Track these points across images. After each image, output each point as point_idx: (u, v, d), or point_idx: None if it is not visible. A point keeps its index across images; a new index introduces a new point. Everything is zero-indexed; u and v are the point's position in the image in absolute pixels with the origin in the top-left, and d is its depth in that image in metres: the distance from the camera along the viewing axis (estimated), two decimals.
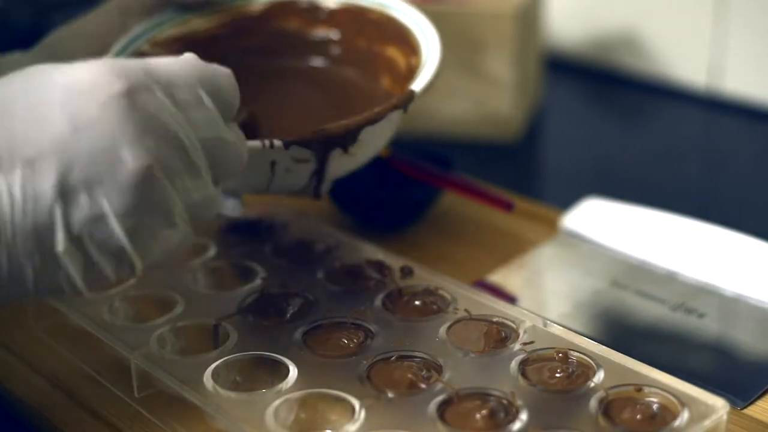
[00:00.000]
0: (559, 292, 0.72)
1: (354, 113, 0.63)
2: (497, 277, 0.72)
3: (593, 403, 0.53)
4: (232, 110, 0.54)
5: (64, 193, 0.47)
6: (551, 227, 0.78)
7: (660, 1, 1.08)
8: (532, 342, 0.58)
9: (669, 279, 0.71)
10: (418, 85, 0.64)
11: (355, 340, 0.59)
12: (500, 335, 0.58)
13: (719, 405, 0.52)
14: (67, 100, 0.47)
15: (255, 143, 0.60)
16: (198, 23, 0.71)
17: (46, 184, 0.46)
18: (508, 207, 0.78)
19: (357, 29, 0.72)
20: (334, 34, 0.73)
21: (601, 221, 0.77)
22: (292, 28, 0.74)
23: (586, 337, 0.58)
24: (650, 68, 1.09)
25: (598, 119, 1.08)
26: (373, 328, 0.60)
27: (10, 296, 0.49)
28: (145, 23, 0.69)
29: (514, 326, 0.59)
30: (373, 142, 0.65)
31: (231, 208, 0.64)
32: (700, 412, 0.52)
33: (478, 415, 0.52)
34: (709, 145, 1.01)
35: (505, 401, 0.53)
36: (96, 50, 0.66)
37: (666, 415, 0.52)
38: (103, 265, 0.49)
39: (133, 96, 0.48)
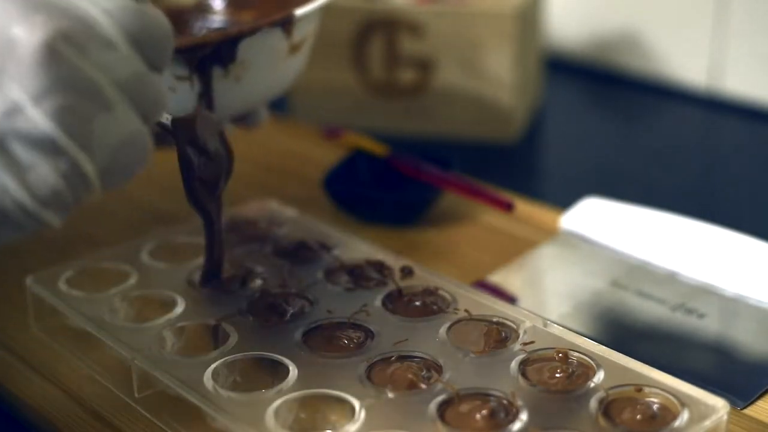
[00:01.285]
0: (559, 293, 0.72)
1: None
2: (497, 278, 0.72)
3: (593, 403, 0.53)
4: (162, 56, 0.48)
5: None
6: (551, 227, 0.78)
7: (660, 1, 1.08)
8: (532, 342, 0.58)
9: (669, 279, 0.71)
10: (299, 10, 0.66)
11: (355, 340, 0.59)
12: (500, 335, 0.58)
13: (719, 405, 0.52)
14: None
15: None
16: None
17: None
18: (508, 207, 0.78)
19: (278, 9, 0.74)
20: (257, 19, 0.75)
21: (600, 221, 0.77)
22: (219, 18, 0.76)
23: (586, 337, 0.58)
24: (650, 68, 1.09)
25: (598, 119, 1.08)
26: (373, 328, 0.60)
27: None
28: None
29: (514, 326, 0.59)
30: (260, 69, 0.65)
31: None
32: (701, 413, 0.52)
33: (478, 416, 0.52)
34: (709, 145, 1.01)
35: (505, 401, 0.53)
36: None
37: (666, 415, 0.52)
38: (41, 167, 0.44)
39: None
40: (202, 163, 0.58)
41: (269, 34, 0.64)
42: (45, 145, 0.43)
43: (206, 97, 0.65)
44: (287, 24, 0.65)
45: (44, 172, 0.44)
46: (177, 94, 0.64)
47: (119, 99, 0.45)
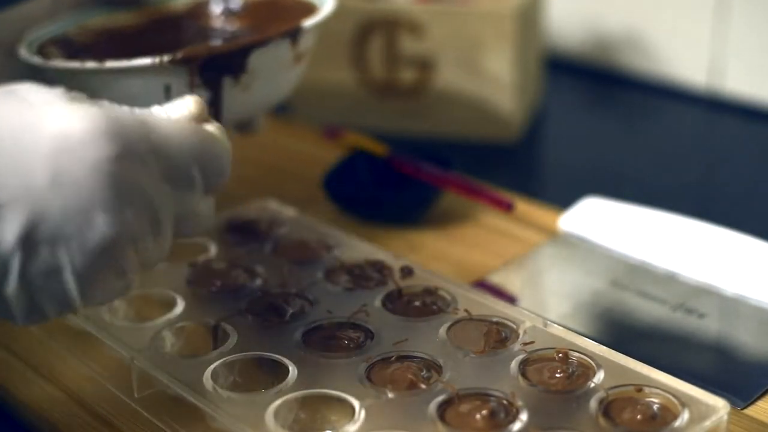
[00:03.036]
0: (559, 293, 0.72)
1: None
2: (497, 278, 0.72)
3: (593, 403, 0.53)
4: (218, 185, 0.53)
5: (27, 244, 0.45)
6: (551, 227, 0.78)
7: (660, 1, 1.08)
8: (532, 342, 0.58)
9: (669, 279, 0.71)
10: (307, 22, 0.68)
11: (355, 341, 0.59)
12: (500, 335, 0.58)
13: (720, 405, 0.52)
14: (54, 153, 0.44)
15: (146, 59, 0.63)
16: (126, 18, 0.75)
17: (10, 234, 0.44)
18: (508, 207, 0.78)
19: (271, 17, 0.76)
20: (251, 26, 0.77)
21: (599, 221, 0.77)
22: (213, 25, 0.78)
23: (587, 337, 0.58)
24: (650, 68, 1.09)
25: (598, 119, 1.08)
26: (373, 328, 0.60)
27: None
28: (75, 13, 0.73)
29: (514, 326, 0.59)
30: (267, 78, 0.68)
31: None
32: (701, 413, 0.52)
33: (478, 416, 0.52)
34: (709, 145, 1.01)
35: (505, 401, 0.53)
36: None
37: (666, 415, 0.52)
38: (47, 308, 0.47)
39: (123, 162, 0.46)
40: None
41: (278, 45, 0.66)
42: (60, 300, 0.47)
43: (215, 105, 0.66)
44: (295, 35, 0.67)
45: (48, 312, 0.48)
46: None
47: (135, 272, 0.50)
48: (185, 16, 0.77)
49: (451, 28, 0.94)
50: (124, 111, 0.48)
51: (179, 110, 0.51)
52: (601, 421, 0.52)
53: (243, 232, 0.72)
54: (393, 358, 0.57)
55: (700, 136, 1.03)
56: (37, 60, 0.66)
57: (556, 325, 0.59)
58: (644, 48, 1.09)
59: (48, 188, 0.44)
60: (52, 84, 0.58)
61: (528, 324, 0.59)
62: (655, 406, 0.53)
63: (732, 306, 0.68)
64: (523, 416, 0.52)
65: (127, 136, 0.46)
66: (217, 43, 0.77)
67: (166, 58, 0.63)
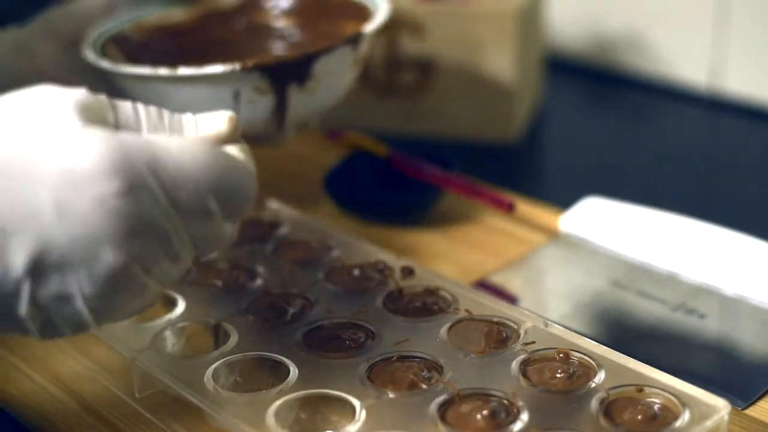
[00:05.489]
0: (559, 293, 0.72)
1: None
2: (498, 278, 0.72)
3: (594, 403, 0.53)
4: (242, 211, 0.51)
5: (35, 271, 0.45)
6: (552, 227, 0.78)
7: (661, 1, 1.08)
8: (533, 342, 0.58)
9: (670, 279, 0.71)
10: (367, 27, 0.71)
11: (355, 341, 0.59)
12: (501, 335, 0.58)
13: (720, 405, 0.52)
14: (59, 185, 0.44)
15: (218, 67, 0.65)
16: (178, 14, 0.79)
17: (18, 260, 0.44)
18: (508, 207, 0.78)
19: (322, 15, 0.79)
20: (302, 24, 0.80)
21: (600, 221, 0.77)
22: (263, 21, 0.81)
23: (587, 337, 0.58)
24: (651, 68, 1.09)
25: (598, 119, 1.08)
26: (373, 328, 0.60)
27: None
28: (130, 8, 0.76)
29: (515, 326, 0.59)
30: (330, 81, 0.70)
31: None
32: (702, 413, 0.52)
33: (479, 416, 0.52)
34: (709, 145, 1.01)
35: (506, 402, 0.53)
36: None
37: (667, 415, 0.52)
38: (62, 329, 0.48)
39: (129, 196, 0.45)
40: None
41: (341, 50, 0.69)
42: (76, 327, 0.48)
43: (281, 109, 0.69)
44: (357, 41, 0.70)
45: (65, 333, 0.48)
46: (254, 105, 0.68)
47: (159, 293, 0.49)
48: (236, 12, 0.80)
49: (451, 28, 0.94)
50: (136, 142, 0.46)
51: (209, 126, 0.50)
52: (602, 421, 0.52)
53: (243, 232, 0.72)
54: (394, 359, 0.57)
55: (700, 137, 1.03)
56: (105, 65, 0.68)
57: (556, 326, 0.59)
58: (644, 48, 1.09)
59: (53, 219, 0.44)
60: (111, 84, 0.62)
61: (529, 324, 0.59)
62: (656, 407, 0.52)
63: (732, 306, 0.68)
64: (524, 416, 0.52)
65: (135, 171, 0.45)
66: (277, 45, 0.79)
67: (237, 66, 0.65)
